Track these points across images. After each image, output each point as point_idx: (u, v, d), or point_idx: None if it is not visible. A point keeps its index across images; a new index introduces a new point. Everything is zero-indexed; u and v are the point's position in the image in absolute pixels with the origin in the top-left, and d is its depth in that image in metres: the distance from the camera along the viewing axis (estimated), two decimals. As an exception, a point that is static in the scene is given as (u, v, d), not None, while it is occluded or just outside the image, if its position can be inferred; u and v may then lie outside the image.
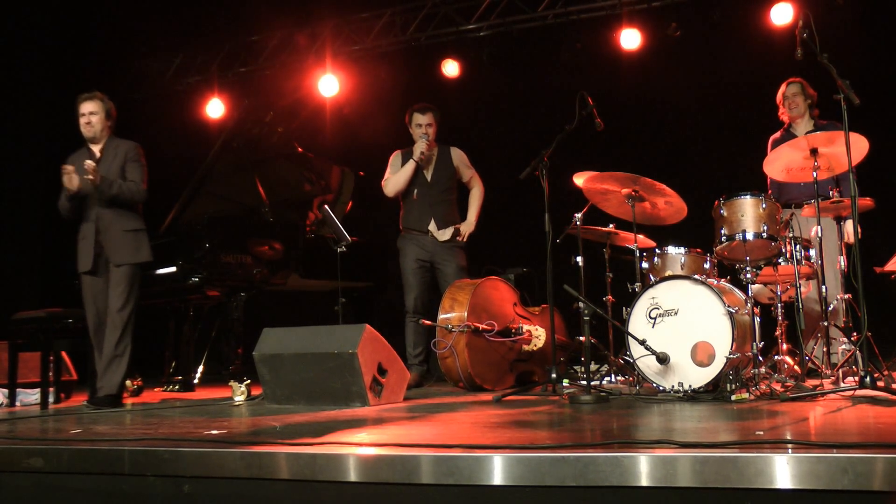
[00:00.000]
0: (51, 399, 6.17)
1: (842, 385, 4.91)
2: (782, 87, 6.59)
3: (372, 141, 9.59)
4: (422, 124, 6.85)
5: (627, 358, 5.21)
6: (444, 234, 6.85)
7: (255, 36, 10.79)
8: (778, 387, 4.82)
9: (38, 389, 6.17)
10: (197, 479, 3.11)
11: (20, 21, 9.99)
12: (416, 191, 6.92)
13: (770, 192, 6.51)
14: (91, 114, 5.98)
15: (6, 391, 6.33)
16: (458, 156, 7.07)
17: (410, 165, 6.83)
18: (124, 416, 4.98)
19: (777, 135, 6.59)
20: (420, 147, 6.77)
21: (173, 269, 6.39)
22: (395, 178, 6.93)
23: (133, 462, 3.22)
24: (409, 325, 6.82)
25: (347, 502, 2.88)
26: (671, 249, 5.66)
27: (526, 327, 6.36)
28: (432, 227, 6.85)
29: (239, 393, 5.92)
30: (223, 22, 10.80)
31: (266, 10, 10.37)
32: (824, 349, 5.48)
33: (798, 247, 5.30)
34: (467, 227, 6.96)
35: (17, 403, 6.32)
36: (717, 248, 5.29)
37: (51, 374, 6.26)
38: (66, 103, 10.35)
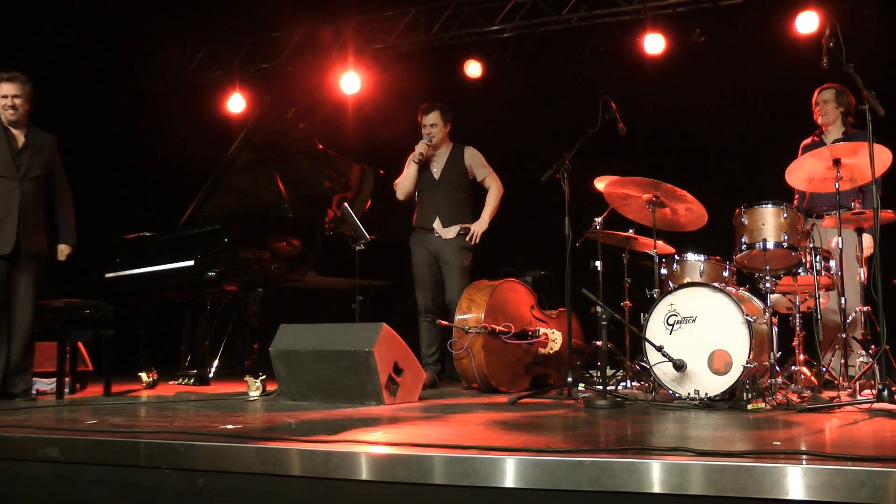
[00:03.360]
0: (66, 389, 6.21)
1: (858, 398, 4.88)
2: (816, 92, 6.51)
3: (392, 140, 9.58)
4: (425, 125, 6.88)
5: (644, 364, 5.21)
6: (449, 233, 6.84)
7: (277, 32, 10.80)
8: (794, 397, 4.79)
9: (54, 379, 6.21)
10: (211, 474, 3.12)
11: (44, 11, 10.03)
12: (424, 189, 6.94)
13: (797, 197, 6.47)
14: (14, 97, 5.83)
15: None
16: (470, 155, 7.02)
17: (412, 167, 6.87)
18: (139, 409, 5.00)
19: (808, 141, 6.51)
20: (418, 148, 6.81)
21: (191, 262, 6.39)
22: (401, 181, 6.99)
23: (148, 454, 3.24)
24: (422, 325, 6.83)
25: (361, 501, 2.88)
26: (690, 256, 5.65)
27: (543, 330, 6.36)
28: (437, 225, 6.85)
29: (254, 388, 5.93)
30: (246, 17, 10.81)
31: (289, 6, 10.38)
32: (842, 361, 5.44)
33: (818, 257, 5.26)
34: (479, 225, 6.88)
35: (33, 392, 6.36)
36: (737, 256, 5.27)
37: (67, 364, 6.30)
38: (88, 95, 10.46)
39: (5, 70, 5.87)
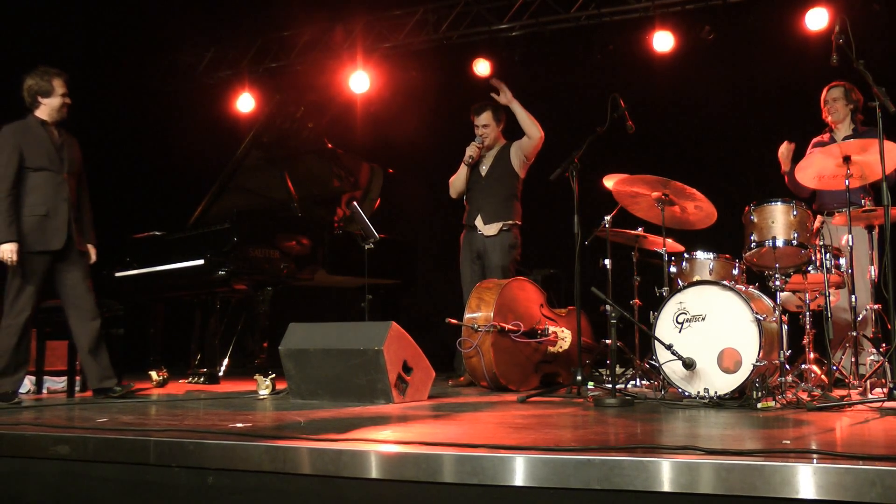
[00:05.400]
0: (77, 387, 6.23)
1: (869, 396, 4.86)
2: (824, 90, 6.50)
3: (402, 138, 9.60)
4: (478, 125, 6.87)
5: (653, 362, 5.20)
6: (491, 229, 6.82)
7: (286, 31, 10.82)
8: (804, 396, 4.77)
9: (64, 377, 6.23)
10: (221, 472, 3.13)
11: (55, 11, 10.05)
12: (472, 187, 6.96)
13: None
14: (69, 96, 5.75)
15: (33, 378, 6.38)
16: (513, 148, 6.95)
17: (462, 169, 6.86)
18: (149, 407, 5.01)
19: (817, 138, 6.49)
20: (468, 151, 6.80)
21: (201, 261, 6.41)
22: (453, 180, 7.01)
23: (158, 452, 3.24)
24: None
25: (371, 499, 2.88)
26: (700, 254, 5.63)
27: (552, 329, 6.35)
28: (478, 222, 6.84)
29: (264, 387, 5.94)
30: (255, 17, 10.83)
31: (298, 5, 10.39)
32: (852, 359, 5.42)
33: (828, 255, 5.24)
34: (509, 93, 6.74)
35: (44, 391, 6.38)
36: (747, 254, 5.25)
37: (78, 362, 6.31)
38: (98, 94, 10.48)
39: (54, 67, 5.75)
